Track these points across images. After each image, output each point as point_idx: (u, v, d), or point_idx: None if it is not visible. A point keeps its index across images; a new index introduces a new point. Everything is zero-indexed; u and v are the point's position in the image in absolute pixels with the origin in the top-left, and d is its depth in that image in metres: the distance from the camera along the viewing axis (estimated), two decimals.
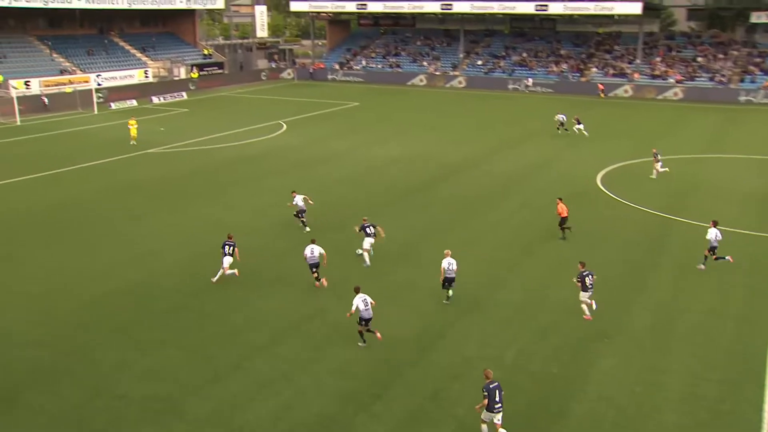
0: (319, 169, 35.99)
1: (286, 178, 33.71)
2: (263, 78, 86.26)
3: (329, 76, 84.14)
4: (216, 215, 27.89)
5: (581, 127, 44.29)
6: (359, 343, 17.46)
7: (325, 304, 19.82)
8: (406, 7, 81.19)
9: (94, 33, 74.34)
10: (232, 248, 21.52)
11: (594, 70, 72.54)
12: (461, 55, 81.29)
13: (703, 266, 22.04)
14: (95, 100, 59.19)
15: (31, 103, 57.43)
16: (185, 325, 18.61)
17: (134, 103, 64.30)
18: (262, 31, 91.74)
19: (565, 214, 24.72)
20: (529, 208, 28.82)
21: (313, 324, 18.66)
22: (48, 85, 60.91)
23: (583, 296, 18.82)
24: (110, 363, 16.78)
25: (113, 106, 61.95)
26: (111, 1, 68.01)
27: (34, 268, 22.53)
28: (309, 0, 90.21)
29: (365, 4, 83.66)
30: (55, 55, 67.47)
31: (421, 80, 79.05)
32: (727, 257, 22.02)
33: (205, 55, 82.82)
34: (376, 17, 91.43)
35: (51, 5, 61.97)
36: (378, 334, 17.48)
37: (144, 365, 16.68)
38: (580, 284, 18.78)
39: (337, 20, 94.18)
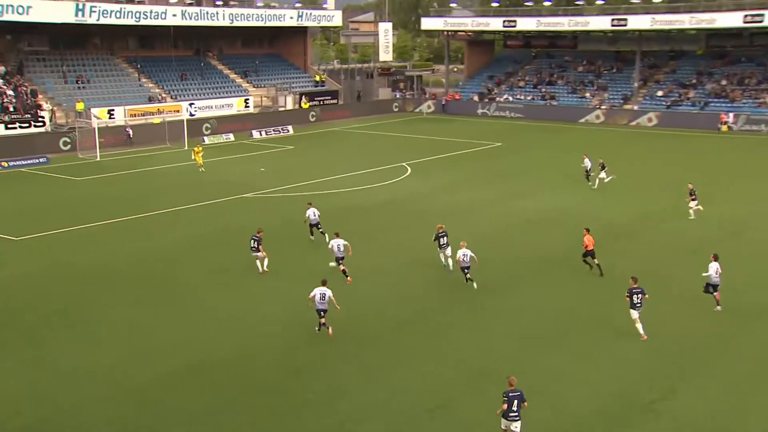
0: (446, 225, 36.06)
1: (405, 235, 34.14)
2: (395, 110, 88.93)
3: (479, 111, 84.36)
4: (321, 278, 28.38)
5: (603, 175, 44.19)
6: (329, 333, 23.00)
7: (452, 394, 19.61)
8: (566, 24, 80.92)
9: (190, 54, 79.67)
10: (257, 243, 28.54)
11: None
12: (635, 84, 79.69)
13: (719, 308, 24.89)
14: (186, 133, 63.04)
15: (114, 136, 62.03)
16: (281, 413, 18.72)
17: (231, 137, 67.71)
18: (386, 54, 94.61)
19: (591, 247, 28.28)
20: (731, 292, 26.48)
21: (437, 419, 18.50)
22: (134, 115, 65.53)
23: (633, 314, 22.66)
24: None
25: (206, 140, 65.51)
26: (210, 17, 72.91)
27: (106, 332, 23.76)
28: (444, 16, 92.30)
29: (514, 21, 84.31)
30: (143, 80, 72.59)
31: (598, 117, 77.50)
32: (718, 308, 24.84)
33: (316, 82, 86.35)
34: (528, 37, 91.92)
35: (143, 22, 67.17)
36: (330, 331, 22.78)
37: None
38: (628, 300, 22.66)
39: (479, 41, 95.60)
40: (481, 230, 34.88)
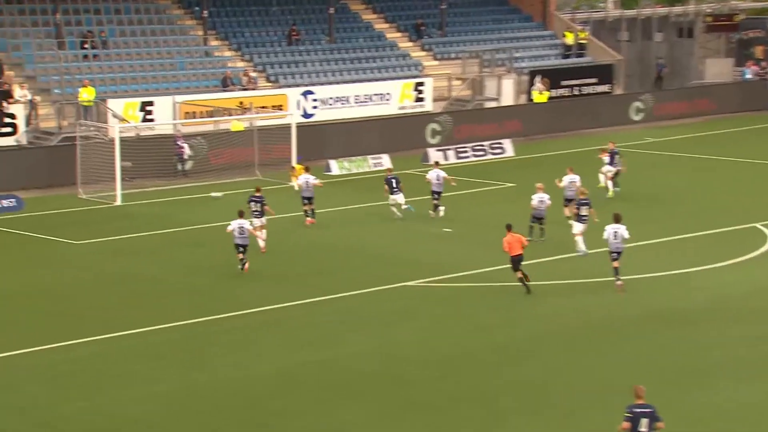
0: None
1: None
2: None
3: None
4: None
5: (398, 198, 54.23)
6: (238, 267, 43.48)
7: None
8: None
9: None
10: (260, 204, 47.61)
11: None
12: None
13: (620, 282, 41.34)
14: (294, 150, 63.56)
15: (152, 155, 63.10)
16: None
17: (383, 161, 67.96)
18: None
19: (516, 251, 40.12)
20: None
21: None
22: (192, 114, 67.23)
23: (576, 229, 42.07)
24: None
25: (335, 167, 65.73)
26: None
27: None
28: None
29: None
30: (214, 43, 74.51)
31: None
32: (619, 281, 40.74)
33: (568, 47, 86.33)
34: None
35: None
36: (246, 266, 43.40)
37: None
38: (576, 213, 43.26)
39: None
40: None
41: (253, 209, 46.81)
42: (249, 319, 39.50)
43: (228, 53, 74.53)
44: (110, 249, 49.71)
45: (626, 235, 40.28)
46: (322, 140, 68.52)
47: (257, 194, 47.59)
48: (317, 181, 52.62)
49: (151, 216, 55.31)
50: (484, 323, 39.53)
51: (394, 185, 52.73)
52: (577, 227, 45.91)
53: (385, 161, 67.09)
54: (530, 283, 41.09)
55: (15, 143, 62.72)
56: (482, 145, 71.61)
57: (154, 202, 58.54)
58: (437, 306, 41.30)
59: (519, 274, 40.46)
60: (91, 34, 70.37)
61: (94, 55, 69.59)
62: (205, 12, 74.35)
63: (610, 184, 57.43)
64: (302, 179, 52.39)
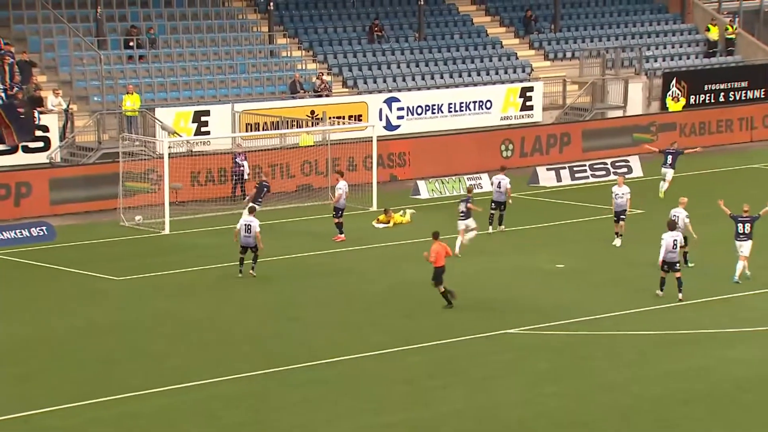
0: None
1: None
2: None
3: None
4: None
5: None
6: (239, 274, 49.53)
7: None
8: None
9: None
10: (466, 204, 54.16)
11: None
12: None
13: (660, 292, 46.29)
14: (376, 167, 63.54)
15: (208, 175, 63.80)
16: None
17: (481, 183, 67.46)
18: None
19: (440, 263, 44.08)
20: None
21: None
22: (255, 126, 67.50)
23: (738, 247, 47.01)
24: None
25: (424, 190, 65.44)
26: None
27: None
28: None
29: None
30: (281, 41, 75.12)
31: None
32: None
33: (711, 44, 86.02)
34: None
35: None
36: (251, 271, 49.52)
37: None
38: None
39: None
40: None
41: (461, 210, 53.72)
42: (321, 372, 39.14)
43: (297, 53, 75.03)
44: (157, 286, 50.02)
45: (683, 242, 46.37)
46: (408, 157, 68.75)
47: (468, 194, 55.61)
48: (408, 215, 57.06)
49: (206, 248, 55.97)
50: (606, 381, 38.89)
51: None
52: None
53: (485, 182, 66.98)
54: (455, 300, 45.25)
55: (47, 161, 63.19)
56: (604, 163, 71.53)
57: (209, 230, 59.02)
58: (546, 359, 40.71)
59: (441, 289, 44.51)
60: (137, 30, 71.14)
61: (140, 56, 70.27)
62: (271, 4, 74.94)
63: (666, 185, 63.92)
64: (341, 186, 56.06)
